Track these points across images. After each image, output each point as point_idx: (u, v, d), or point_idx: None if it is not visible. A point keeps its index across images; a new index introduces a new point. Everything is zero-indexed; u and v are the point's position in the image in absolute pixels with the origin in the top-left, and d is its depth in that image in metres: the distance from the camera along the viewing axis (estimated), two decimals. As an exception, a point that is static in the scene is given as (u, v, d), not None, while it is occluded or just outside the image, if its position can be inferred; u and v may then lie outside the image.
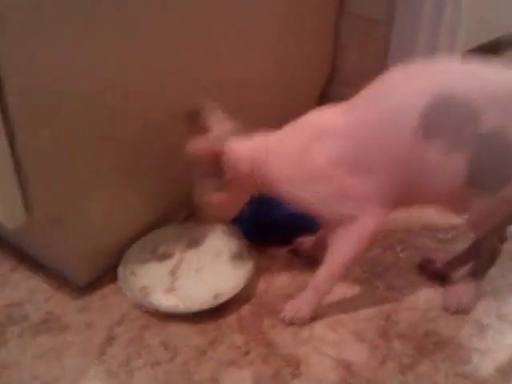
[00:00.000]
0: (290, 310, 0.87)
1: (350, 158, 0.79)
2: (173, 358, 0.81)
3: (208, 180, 0.83)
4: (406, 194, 0.80)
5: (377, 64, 1.31)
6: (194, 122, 0.85)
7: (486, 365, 0.80)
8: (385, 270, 0.89)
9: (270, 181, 0.84)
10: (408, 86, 0.78)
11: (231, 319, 0.87)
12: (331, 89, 1.40)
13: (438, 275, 0.95)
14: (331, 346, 0.83)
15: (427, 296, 0.92)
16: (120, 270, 0.90)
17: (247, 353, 0.82)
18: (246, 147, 0.84)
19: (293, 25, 1.15)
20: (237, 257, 0.94)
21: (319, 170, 0.80)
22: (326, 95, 1.40)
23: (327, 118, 0.83)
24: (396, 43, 1.27)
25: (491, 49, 1.91)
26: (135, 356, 0.81)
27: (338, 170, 0.79)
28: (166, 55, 0.86)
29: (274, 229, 0.93)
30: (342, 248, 0.82)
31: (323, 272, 0.84)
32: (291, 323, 0.86)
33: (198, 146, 0.79)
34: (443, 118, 0.75)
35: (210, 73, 0.98)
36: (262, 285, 0.93)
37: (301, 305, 0.86)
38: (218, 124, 0.85)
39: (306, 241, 0.98)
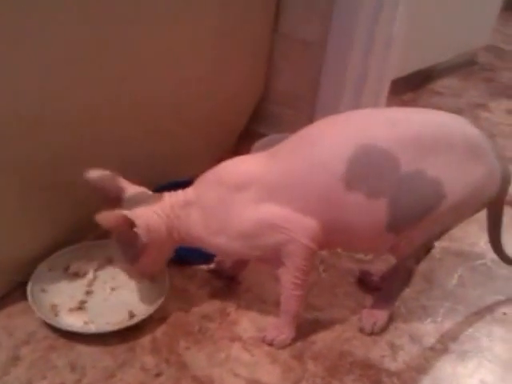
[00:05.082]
0: (271, 331, 0.86)
1: (274, 200, 0.80)
2: (79, 379, 0.78)
3: (125, 247, 0.83)
4: (330, 235, 0.82)
5: (310, 84, 1.34)
6: (99, 188, 0.83)
7: (394, 386, 0.82)
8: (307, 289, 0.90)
9: (194, 235, 0.84)
10: (330, 138, 0.81)
11: (145, 340, 0.84)
12: (264, 107, 1.42)
13: (375, 287, 0.97)
14: (246, 367, 0.82)
15: (344, 316, 0.93)
16: (29, 286, 0.86)
17: (158, 375, 0.79)
18: (157, 209, 0.83)
19: (227, 45, 1.15)
20: (153, 276, 0.92)
21: (246, 224, 0.81)
22: (258, 114, 1.41)
23: (248, 167, 0.84)
24: (329, 64, 1.30)
25: (423, 77, 1.98)
26: (39, 377, 0.77)
27: (262, 214, 0.80)
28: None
29: (193, 247, 0.91)
30: (288, 269, 0.83)
31: (284, 295, 0.85)
32: (271, 344, 0.86)
33: (105, 218, 0.78)
34: (366, 167, 0.78)
35: (140, 90, 0.96)
36: (178, 305, 0.91)
37: (283, 328, 0.86)
38: (131, 187, 0.85)
39: (226, 260, 0.97)
